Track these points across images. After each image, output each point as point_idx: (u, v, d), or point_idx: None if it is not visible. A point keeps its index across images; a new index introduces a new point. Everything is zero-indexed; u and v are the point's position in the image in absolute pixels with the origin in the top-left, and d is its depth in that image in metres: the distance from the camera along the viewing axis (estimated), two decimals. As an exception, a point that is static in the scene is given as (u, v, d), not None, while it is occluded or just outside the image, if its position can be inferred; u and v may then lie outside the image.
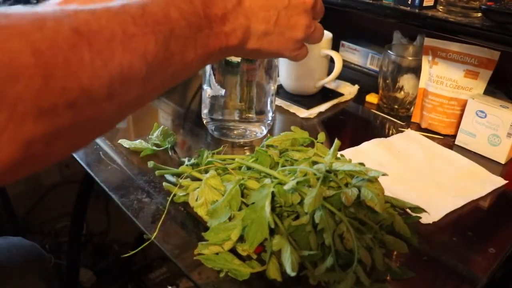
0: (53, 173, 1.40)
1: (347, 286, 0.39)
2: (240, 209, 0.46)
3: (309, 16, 0.43)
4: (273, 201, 0.44)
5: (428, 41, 0.74)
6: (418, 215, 0.50)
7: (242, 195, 0.47)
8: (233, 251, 0.43)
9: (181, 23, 0.30)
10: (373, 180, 0.44)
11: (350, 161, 0.52)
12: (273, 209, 0.43)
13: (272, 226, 0.41)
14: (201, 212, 0.49)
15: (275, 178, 0.47)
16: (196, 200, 0.50)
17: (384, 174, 0.44)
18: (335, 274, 0.40)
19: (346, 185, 0.45)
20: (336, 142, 0.49)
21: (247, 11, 0.37)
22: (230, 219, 0.45)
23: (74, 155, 0.63)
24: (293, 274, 0.38)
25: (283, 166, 0.51)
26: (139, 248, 0.45)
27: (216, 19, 0.34)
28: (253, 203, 0.44)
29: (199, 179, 0.52)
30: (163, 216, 0.50)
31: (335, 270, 0.40)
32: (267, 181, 0.46)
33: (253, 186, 0.47)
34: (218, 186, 0.49)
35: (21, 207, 1.28)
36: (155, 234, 0.48)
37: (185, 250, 0.46)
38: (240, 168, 0.54)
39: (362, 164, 0.47)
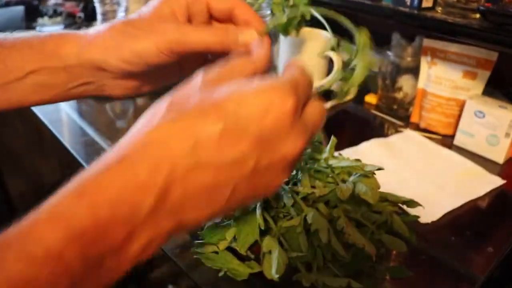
0: (54, 173, 1.41)
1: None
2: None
3: (290, 169, 0.29)
4: (269, 202, 0.44)
5: (427, 42, 0.75)
6: (416, 214, 0.51)
7: None
8: (233, 251, 0.44)
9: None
10: (369, 176, 0.44)
11: (348, 159, 0.52)
12: (268, 210, 0.44)
13: (263, 227, 0.41)
14: None
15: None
16: None
17: (379, 169, 0.44)
18: (327, 277, 0.41)
19: (344, 181, 0.46)
20: (333, 139, 0.49)
21: (173, 209, 0.25)
22: (225, 219, 0.45)
23: (75, 154, 0.63)
24: (276, 276, 0.38)
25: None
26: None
27: (111, 252, 0.24)
28: None
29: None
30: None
31: (326, 271, 0.41)
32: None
33: None
34: None
35: (22, 207, 1.29)
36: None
37: (185, 250, 0.46)
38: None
39: (358, 160, 0.48)
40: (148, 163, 0.24)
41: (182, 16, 0.36)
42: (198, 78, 0.28)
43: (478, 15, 0.62)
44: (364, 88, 0.91)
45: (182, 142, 0.25)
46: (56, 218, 0.22)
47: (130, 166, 0.24)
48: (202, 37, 0.34)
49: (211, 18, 0.38)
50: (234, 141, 0.25)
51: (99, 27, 0.36)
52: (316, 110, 0.30)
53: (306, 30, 0.86)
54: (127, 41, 0.34)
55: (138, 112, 0.67)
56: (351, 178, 0.45)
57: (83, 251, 0.22)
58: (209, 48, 0.35)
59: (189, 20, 0.37)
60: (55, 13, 1.17)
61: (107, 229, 0.23)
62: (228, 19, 0.37)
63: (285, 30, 0.66)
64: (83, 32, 0.37)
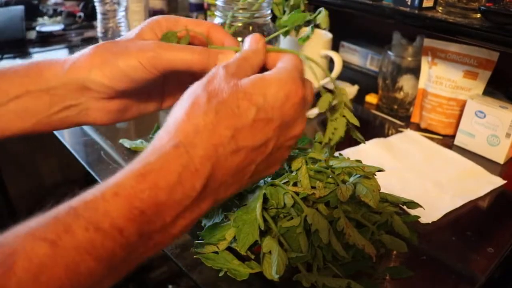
0: (54, 173, 1.41)
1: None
2: (235, 210, 0.46)
3: (295, 145, 0.35)
4: (269, 202, 0.44)
5: (428, 42, 0.74)
6: (417, 214, 0.51)
7: (237, 196, 0.47)
8: (233, 251, 0.44)
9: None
10: (370, 177, 0.44)
11: (348, 159, 0.52)
12: (268, 210, 0.44)
13: (262, 228, 0.41)
14: None
15: (274, 178, 0.48)
16: None
17: (380, 170, 0.44)
18: (327, 277, 0.40)
19: (344, 182, 0.46)
20: None
21: (212, 192, 0.29)
22: (225, 219, 0.45)
23: (75, 154, 0.63)
24: (276, 276, 0.38)
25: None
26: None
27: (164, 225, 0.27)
28: (245, 204, 0.44)
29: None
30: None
31: (326, 272, 0.41)
32: (260, 182, 0.46)
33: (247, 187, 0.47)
34: None
35: (22, 207, 1.29)
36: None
37: (186, 250, 0.46)
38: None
39: (359, 161, 0.47)
40: (200, 150, 0.27)
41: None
42: (220, 71, 0.31)
43: (479, 15, 0.61)
44: (365, 88, 0.91)
45: (226, 130, 0.28)
46: (121, 195, 0.25)
47: (186, 152, 0.27)
48: (181, 55, 0.35)
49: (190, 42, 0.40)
50: (263, 126, 0.30)
51: (84, 49, 0.37)
52: (310, 91, 0.34)
53: (306, 30, 0.86)
54: (111, 58, 0.35)
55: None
56: (351, 179, 0.45)
57: (140, 228, 0.25)
58: (190, 66, 0.36)
59: None
60: (55, 13, 1.17)
61: (162, 211, 0.26)
62: (204, 44, 0.39)
63: (285, 30, 0.66)
64: (68, 56, 0.38)
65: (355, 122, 0.38)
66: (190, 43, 0.39)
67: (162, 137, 0.28)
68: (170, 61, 0.35)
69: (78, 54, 0.37)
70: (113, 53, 0.36)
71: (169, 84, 0.42)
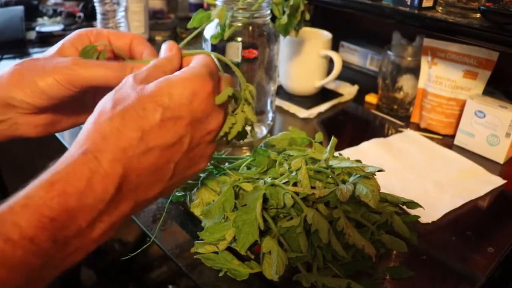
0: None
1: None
2: (235, 210, 0.46)
3: (214, 143, 0.37)
4: (269, 202, 0.44)
5: (427, 42, 0.75)
6: (416, 214, 0.51)
7: (238, 197, 0.47)
8: (233, 251, 0.44)
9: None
10: (370, 177, 0.44)
11: (348, 159, 0.52)
12: (268, 210, 0.44)
13: (262, 228, 0.41)
14: (197, 212, 0.49)
15: (274, 178, 0.48)
16: (193, 200, 0.50)
17: (380, 170, 0.44)
18: (327, 277, 0.40)
19: (344, 182, 0.46)
20: (333, 139, 0.49)
21: (130, 193, 0.30)
22: (225, 220, 0.45)
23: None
24: (276, 276, 0.38)
25: (280, 164, 0.51)
26: (139, 251, 0.46)
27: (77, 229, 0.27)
28: (245, 205, 0.44)
29: (197, 179, 0.52)
30: (163, 215, 0.50)
31: (326, 272, 0.41)
32: (260, 182, 0.47)
33: (247, 188, 0.47)
34: (214, 187, 0.49)
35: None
36: (155, 234, 0.48)
37: (185, 250, 0.46)
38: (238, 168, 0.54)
39: (359, 161, 0.47)
40: (109, 154, 0.28)
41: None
42: (129, 79, 0.32)
43: (478, 15, 0.61)
44: (365, 88, 0.91)
45: (132, 132, 0.29)
46: (30, 206, 0.25)
47: (94, 158, 0.28)
48: (97, 71, 0.36)
49: (115, 55, 0.41)
50: (172, 125, 0.31)
51: (5, 68, 0.37)
52: (222, 85, 0.36)
53: (306, 30, 0.86)
54: (30, 76, 0.36)
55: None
56: (351, 179, 0.45)
57: (53, 235, 0.25)
58: (106, 82, 0.36)
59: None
60: (55, 13, 1.17)
61: (74, 216, 0.26)
62: (129, 55, 0.40)
63: (285, 30, 0.66)
64: None
65: (253, 119, 0.39)
66: (113, 57, 0.41)
67: (71, 148, 0.29)
68: (86, 78, 0.36)
69: (0, 72, 0.38)
70: (31, 71, 0.36)
71: (100, 94, 0.40)
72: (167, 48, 0.37)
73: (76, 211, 0.26)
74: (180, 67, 0.37)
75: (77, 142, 0.29)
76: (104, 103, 0.31)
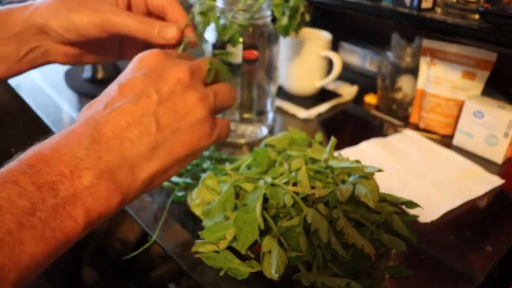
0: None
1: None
2: (235, 210, 0.47)
3: (194, 89, 0.35)
4: (269, 202, 0.44)
5: (426, 43, 0.75)
6: (415, 214, 0.51)
7: (238, 196, 0.47)
8: (233, 250, 0.44)
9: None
10: (369, 177, 0.45)
11: (347, 159, 0.52)
12: (268, 210, 0.44)
13: (262, 227, 0.41)
14: (197, 212, 0.49)
15: (274, 178, 0.48)
16: (194, 200, 0.50)
17: (379, 170, 0.45)
18: (326, 276, 0.41)
19: (343, 182, 0.46)
20: (332, 139, 0.49)
21: (110, 143, 0.30)
22: (226, 219, 0.46)
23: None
24: (276, 276, 0.39)
25: (280, 164, 0.52)
26: (139, 250, 0.46)
27: (54, 187, 0.27)
28: (245, 204, 0.44)
29: (198, 179, 0.53)
30: (164, 215, 0.51)
31: (326, 271, 0.41)
32: (260, 182, 0.47)
33: (247, 188, 0.47)
34: (214, 187, 0.50)
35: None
36: (156, 234, 0.48)
37: (186, 249, 0.46)
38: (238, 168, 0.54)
39: (358, 161, 0.48)
40: (79, 120, 0.32)
41: (123, 3, 0.42)
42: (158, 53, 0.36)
43: (477, 16, 0.62)
44: (364, 88, 0.91)
45: (99, 104, 0.33)
46: (12, 162, 0.28)
47: (69, 129, 0.31)
48: (128, 22, 0.40)
49: (150, 12, 0.44)
50: (129, 87, 0.33)
51: None
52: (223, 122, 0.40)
53: (306, 31, 0.87)
54: (67, 11, 0.40)
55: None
56: (351, 179, 0.45)
57: (34, 178, 0.27)
58: (134, 34, 0.40)
59: (129, 9, 0.43)
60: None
61: (50, 162, 0.28)
62: (163, 15, 0.43)
63: (285, 31, 0.67)
64: (29, 2, 0.42)
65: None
66: (146, 11, 0.44)
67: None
68: (118, 26, 0.40)
69: (39, 0, 0.41)
70: (69, 7, 0.40)
71: (126, 41, 0.47)
72: (168, 31, 0.40)
73: (54, 159, 0.28)
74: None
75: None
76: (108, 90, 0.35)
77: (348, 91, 0.90)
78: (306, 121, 0.79)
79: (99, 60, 0.48)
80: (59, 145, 0.29)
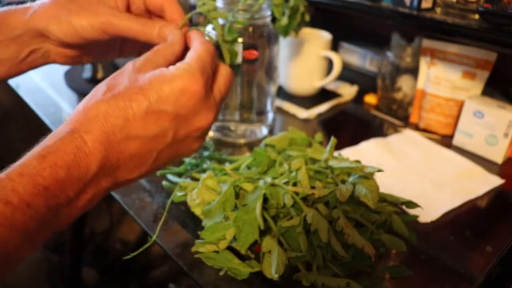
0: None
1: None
2: (235, 210, 0.47)
3: (206, 135, 0.38)
4: (269, 202, 0.44)
5: (426, 43, 0.75)
6: (415, 214, 0.51)
7: (238, 196, 0.48)
8: (233, 250, 0.44)
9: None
10: (369, 177, 0.45)
11: (347, 159, 0.52)
12: (268, 210, 0.44)
13: (262, 228, 0.41)
14: (197, 212, 0.49)
15: (274, 178, 0.48)
16: (194, 200, 0.50)
17: (379, 170, 0.45)
18: (326, 277, 0.41)
19: (343, 182, 0.46)
20: (332, 139, 0.49)
21: (111, 171, 0.32)
22: (226, 219, 0.46)
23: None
24: (276, 276, 0.39)
25: (280, 164, 0.52)
26: (140, 250, 0.46)
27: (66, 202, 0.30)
28: (245, 204, 0.44)
29: (198, 179, 0.53)
30: (164, 215, 0.51)
31: (326, 271, 0.41)
32: (260, 182, 0.47)
33: (247, 188, 0.47)
34: (214, 187, 0.50)
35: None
36: (156, 234, 0.48)
37: (186, 249, 0.46)
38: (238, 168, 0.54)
39: (358, 161, 0.48)
40: (93, 136, 0.31)
41: (122, 5, 0.42)
42: (129, 65, 0.34)
43: (477, 16, 0.62)
44: (364, 88, 0.91)
45: (116, 119, 0.31)
46: (25, 174, 0.28)
47: (79, 137, 0.30)
48: (128, 24, 0.39)
49: (148, 10, 0.44)
50: (155, 119, 0.33)
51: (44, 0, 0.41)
52: (223, 81, 0.38)
53: (306, 31, 0.87)
54: (66, 15, 0.39)
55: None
56: (351, 179, 0.45)
57: (46, 202, 0.28)
58: (134, 36, 0.40)
59: (128, 10, 0.43)
60: None
61: (64, 187, 0.29)
62: (161, 13, 0.43)
63: (285, 31, 0.67)
64: (29, 4, 0.42)
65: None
66: (149, 14, 0.44)
67: (61, 126, 0.32)
68: (118, 28, 0.39)
69: (39, 3, 0.41)
70: (68, 11, 0.39)
71: (128, 42, 0.47)
72: (169, 33, 0.39)
73: (65, 182, 0.29)
74: (186, 48, 0.39)
75: (67, 120, 0.32)
76: (99, 86, 0.33)
77: (348, 91, 0.90)
78: (306, 121, 0.79)
79: (101, 58, 0.48)
80: (73, 164, 0.30)
